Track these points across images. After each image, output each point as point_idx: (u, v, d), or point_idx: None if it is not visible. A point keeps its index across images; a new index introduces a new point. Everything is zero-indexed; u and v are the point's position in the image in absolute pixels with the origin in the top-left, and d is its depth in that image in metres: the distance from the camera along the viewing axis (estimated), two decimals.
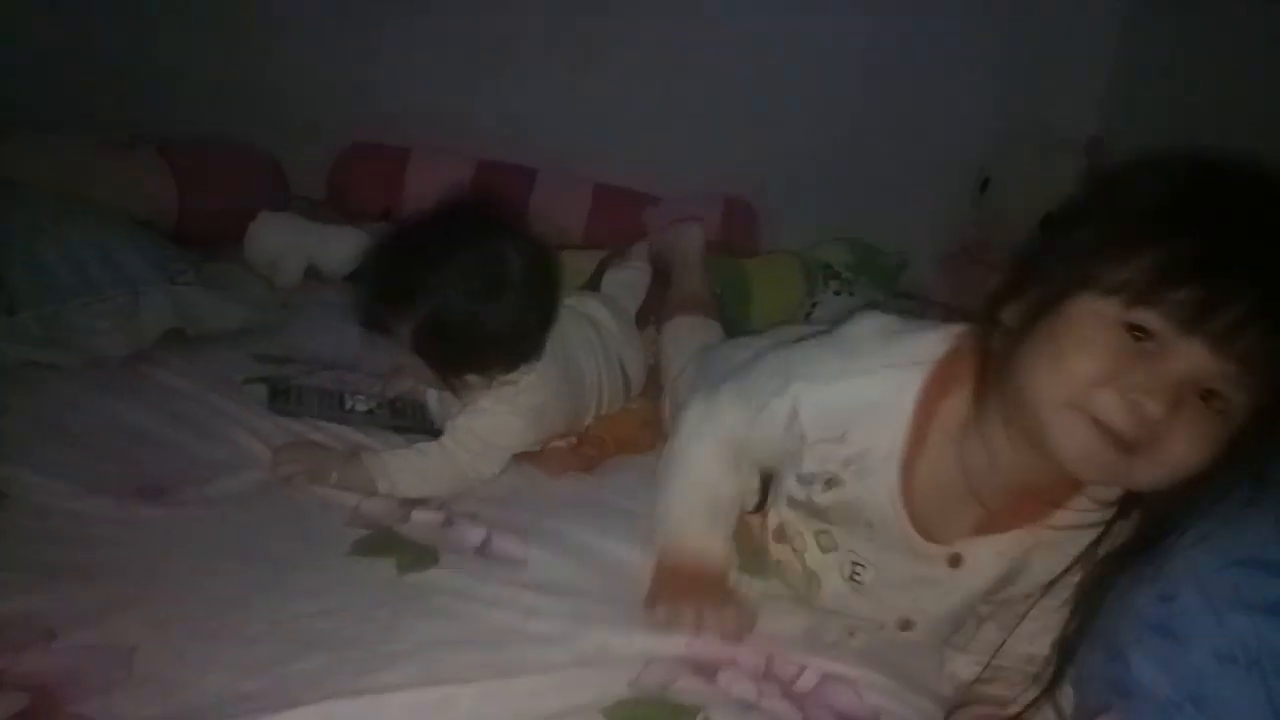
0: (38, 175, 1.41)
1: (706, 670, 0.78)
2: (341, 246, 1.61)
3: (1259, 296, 0.58)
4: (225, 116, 2.00)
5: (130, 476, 0.96)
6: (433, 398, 1.19)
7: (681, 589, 0.83)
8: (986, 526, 0.76)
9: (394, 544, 0.92)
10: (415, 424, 1.18)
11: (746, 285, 1.60)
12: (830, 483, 0.78)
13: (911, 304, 1.81)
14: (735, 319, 1.58)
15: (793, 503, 0.82)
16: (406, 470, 1.04)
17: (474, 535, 0.96)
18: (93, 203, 1.40)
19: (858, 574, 0.81)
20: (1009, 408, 0.68)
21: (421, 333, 1.02)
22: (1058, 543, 0.74)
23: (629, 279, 1.46)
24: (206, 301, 1.30)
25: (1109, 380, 0.61)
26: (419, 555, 0.90)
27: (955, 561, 0.76)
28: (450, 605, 0.84)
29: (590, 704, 0.72)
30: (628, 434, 1.22)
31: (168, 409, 1.11)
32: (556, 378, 1.11)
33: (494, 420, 1.06)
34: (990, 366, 0.70)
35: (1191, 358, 0.59)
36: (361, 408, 1.19)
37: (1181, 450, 0.61)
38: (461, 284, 1.01)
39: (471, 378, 1.06)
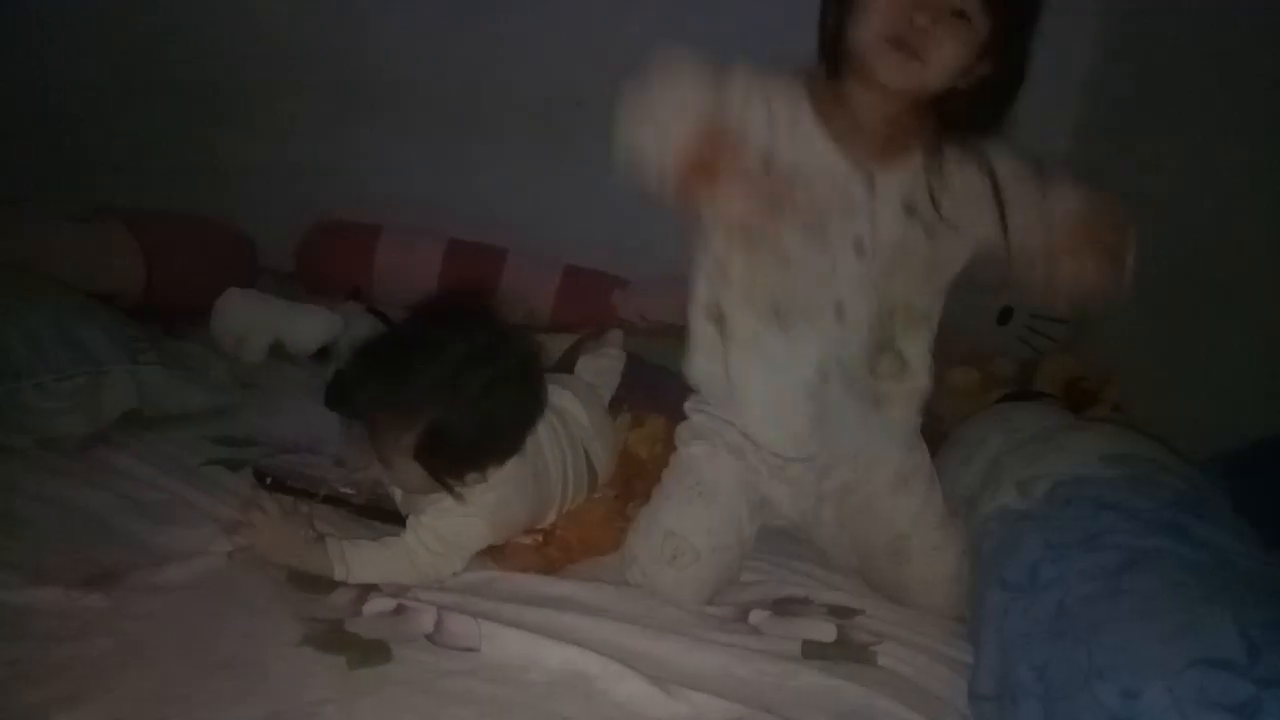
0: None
1: None
2: (308, 325, 1.61)
3: None
4: (196, 190, 2.02)
5: (79, 566, 0.94)
6: (396, 492, 1.18)
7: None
8: (884, 154, 1.03)
9: (343, 641, 0.90)
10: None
11: None
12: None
13: None
14: None
15: None
16: (366, 563, 1.02)
17: (426, 621, 0.95)
18: (56, 277, 1.39)
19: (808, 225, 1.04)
20: (853, 68, 0.98)
21: (425, 441, 1.01)
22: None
23: (605, 366, 1.47)
24: (168, 382, 1.29)
25: (894, 9, 0.91)
26: (369, 652, 0.88)
27: (870, 181, 1.03)
28: (402, 698, 0.82)
29: None
30: (592, 533, 1.21)
31: (121, 493, 1.09)
32: (522, 475, 1.11)
33: (458, 521, 1.05)
34: (838, 52, 0.98)
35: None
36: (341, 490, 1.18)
37: (948, 50, 0.92)
38: (461, 390, 1.01)
39: (472, 477, 1.05)
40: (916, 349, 1.12)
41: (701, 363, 1.15)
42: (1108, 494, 0.93)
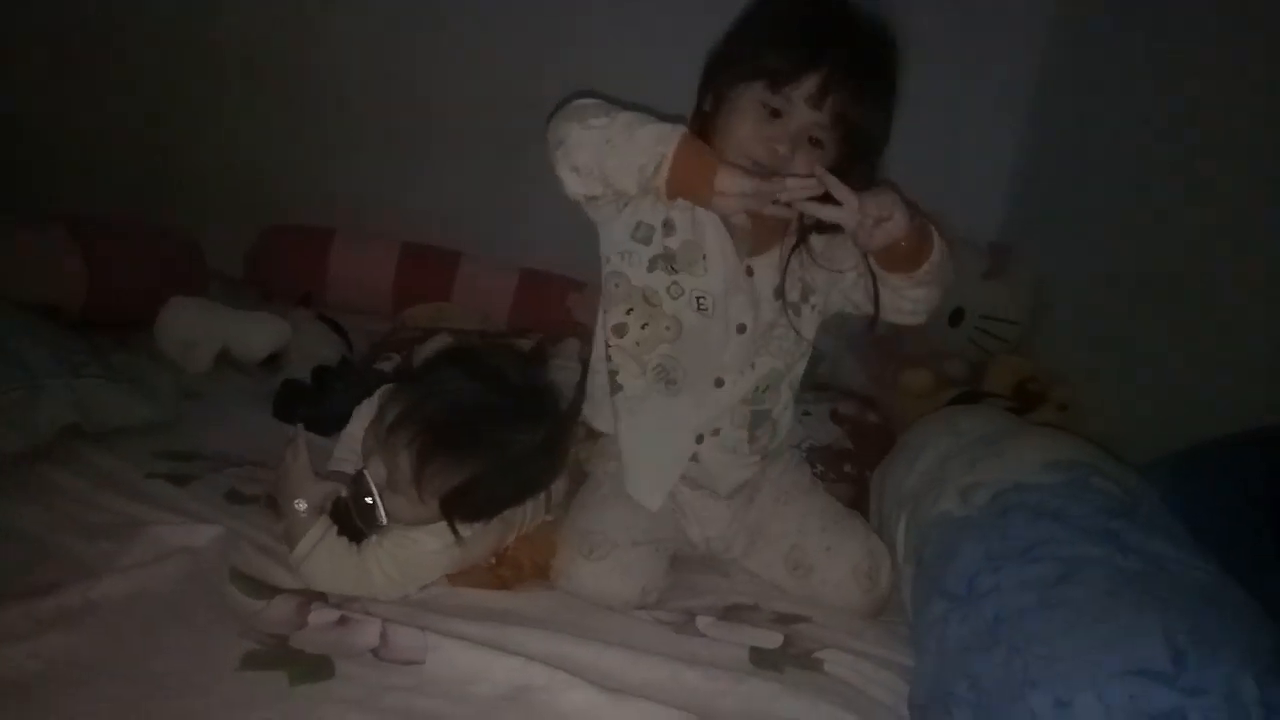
0: None
1: None
2: (256, 333, 1.60)
3: (837, 76, 1.02)
4: (143, 194, 1.98)
5: (10, 586, 0.92)
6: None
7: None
8: (757, 249, 1.16)
9: (286, 657, 0.89)
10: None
11: None
12: (667, 225, 1.14)
13: (827, 394, 1.85)
14: None
15: (651, 263, 1.14)
16: (323, 559, 1.02)
17: (371, 634, 0.94)
18: None
19: (702, 303, 1.14)
20: None
21: (461, 492, 1.01)
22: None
23: (560, 379, 1.46)
24: (109, 395, 1.26)
25: (757, 138, 1.05)
26: (312, 667, 0.88)
27: (750, 271, 1.16)
28: (344, 716, 0.82)
29: None
30: (545, 557, 1.20)
31: (60, 511, 1.07)
32: (499, 519, 1.10)
33: (423, 555, 1.05)
34: (711, 140, 1.08)
35: (801, 118, 1.04)
36: None
37: (803, 166, 1.03)
38: (516, 452, 1.03)
39: (478, 525, 1.06)
40: (786, 410, 1.25)
41: (597, 405, 1.24)
42: (1046, 501, 0.94)
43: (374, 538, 1.05)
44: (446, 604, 1.04)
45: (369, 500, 1.03)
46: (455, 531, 1.03)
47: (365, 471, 1.04)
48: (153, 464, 1.21)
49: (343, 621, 0.96)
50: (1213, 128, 1.43)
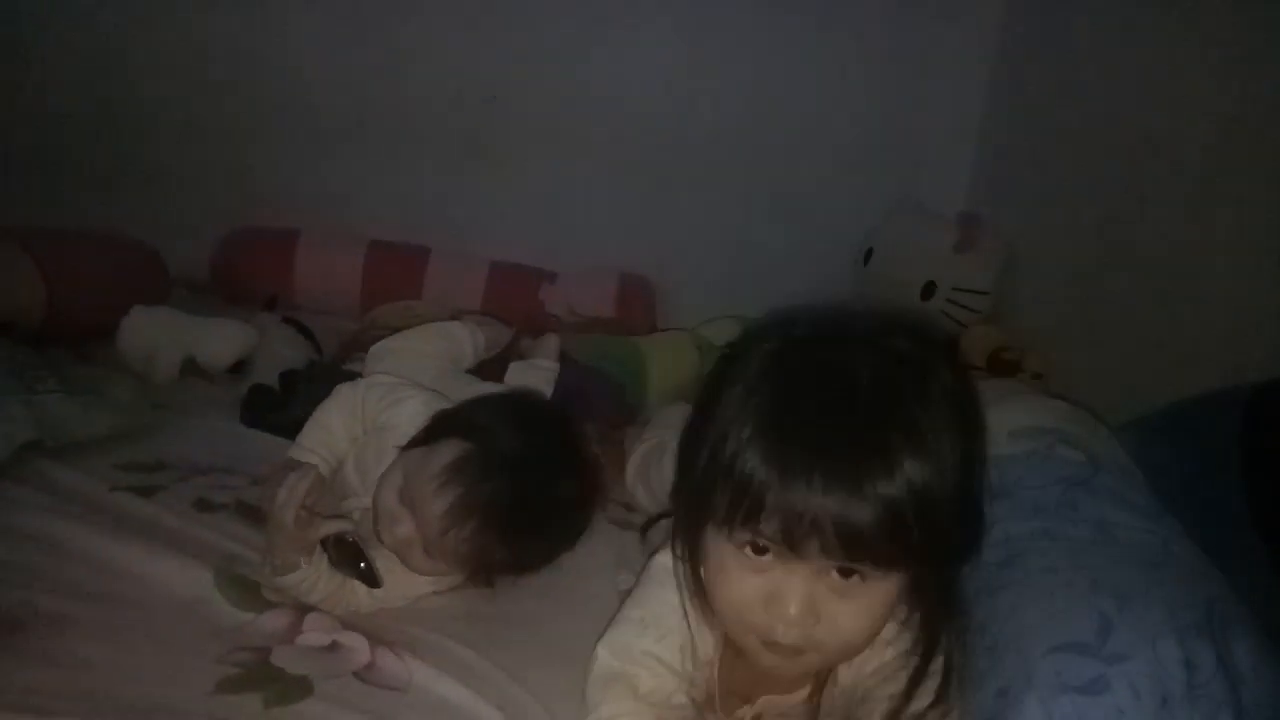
0: None
1: None
2: (221, 340, 1.57)
3: (832, 509, 0.65)
4: (97, 203, 1.94)
5: None
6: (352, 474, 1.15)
7: None
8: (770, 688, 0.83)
9: (264, 677, 0.88)
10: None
11: (641, 363, 1.61)
12: None
13: None
14: (631, 396, 1.59)
15: None
16: (307, 588, 0.99)
17: (358, 659, 0.93)
18: None
19: None
20: None
21: (505, 561, 1.02)
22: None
23: (536, 380, 1.45)
24: (70, 410, 1.23)
25: (755, 610, 0.70)
26: (290, 687, 0.87)
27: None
28: None
29: None
30: None
31: (23, 531, 1.04)
32: None
33: (413, 584, 1.04)
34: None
35: (804, 569, 0.68)
36: None
37: (847, 628, 0.70)
38: (560, 533, 1.05)
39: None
40: None
41: None
42: (1005, 477, 0.94)
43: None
44: (430, 615, 1.03)
45: (363, 565, 0.99)
46: (490, 584, 1.05)
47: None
48: (117, 476, 1.18)
49: (333, 646, 0.95)
50: (1182, 90, 1.42)
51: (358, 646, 0.94)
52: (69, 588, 0.97)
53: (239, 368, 1.56)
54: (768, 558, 0.68)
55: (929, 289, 1.95)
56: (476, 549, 0.97)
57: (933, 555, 0.68)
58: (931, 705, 0.74)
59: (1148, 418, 1.18)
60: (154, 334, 1.54)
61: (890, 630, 0.76)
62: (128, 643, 0.90)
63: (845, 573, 0.68)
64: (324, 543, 0.98)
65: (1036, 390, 1.47)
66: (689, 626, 0.81)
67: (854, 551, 0.65)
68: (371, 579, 0.98)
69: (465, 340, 1.43)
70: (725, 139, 2.10)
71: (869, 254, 2.05)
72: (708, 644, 0.82)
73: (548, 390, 1.43)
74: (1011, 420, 1.09)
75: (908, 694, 0.74)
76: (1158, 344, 1.40)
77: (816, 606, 0.68)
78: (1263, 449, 0.96)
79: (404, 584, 1.03)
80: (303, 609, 0.98)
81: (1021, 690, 0.70)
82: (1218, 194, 1.31)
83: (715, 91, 2.08)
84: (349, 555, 0.98)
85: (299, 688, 0.87)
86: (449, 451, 0.98)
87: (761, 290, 1.99)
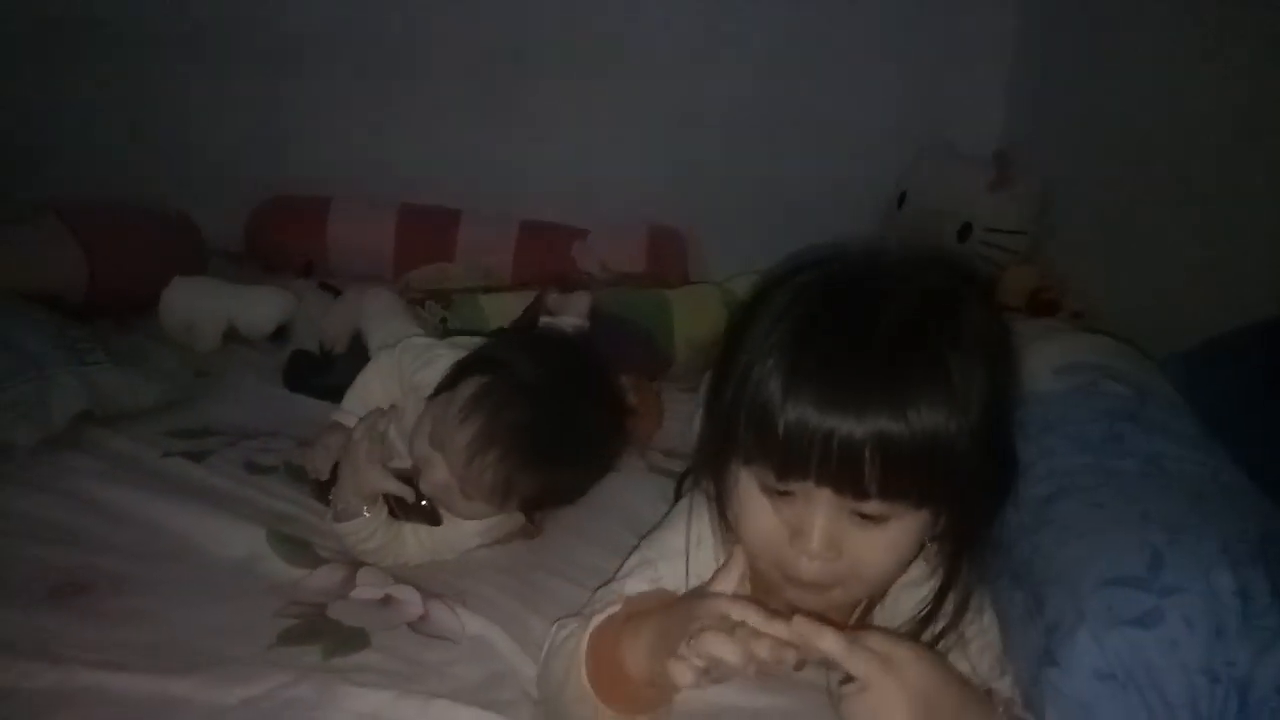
0: None
1: None
2: (261, 307, 1.59)
3: (838, 435, 0.64)
4: (133, 176, 1.97)
5: (44, 576, 0.93)
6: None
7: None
8: None
9: (322, 629, 0.90)
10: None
11: (669, 315, 1.61)
12: None
13: None
14: (659, 349, 1.60)
15: None
16: (366, 537, 1.01)
17: (411, 611, 0.95)
18: None
19: None
20: None
21: (535, 494, 1.02)
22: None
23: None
24: (118, 381, 1.26)
25: (779, 545, 0.69)
26: (348, 639, 0.89)
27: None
28: (379, 680, 0.82)
29: None
30: None
31: (82, 497, 1.07)
32: None
33: (463, 535, 1.06)
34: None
35: (826, 504, 0.67)
36: None
37: (870, 563, 0.69)
38: (592, 465, 1.06)
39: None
40: None
41: None
42: (1050, 413, 0.93)
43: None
44: (477, 566, 1.05)
45: (425, 504, 1.02)
46: (531, 519, 1.05)
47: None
48: (168, 443, 1.21)
49: (386, 600, 0.96)
50: (1223, 14, 1.37)
51: (411, 600, 0.96)
52: (128, 550, 1.00)
53: (280, 334, 1.58)
54: (791, 496, 0.68)
55: (965, 231, 1.91)
56: (503, 477, 0.97)
57: (949, 496, 0.67)
58: (943, 633, 0.73)
59: (1192, 349, 1.16)
60: (195, 304, 1.56)
61: (921, 571, 0.75)
62: (187, 600, 0.93)
63: (868, 520, 0.67)
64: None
65: (1077, 328, 1.44)
66: (686, 572, 0.82)
67: (857, 482, 0.64)
68: (434, 516, 1.01)
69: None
70: (753, 87, 2.07)
71: (902, 198, 2.02)
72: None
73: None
74: (1054, 357, 1.07)
75: (922, 625, 0.73)
76: (1200, 277, 1.37)
77: (839, 541, 0.67)
78: None
79: (451, 535, 1.05)
80: (355, 565, 1.00)
81: (1073, 625, 0.69)
82: (1262, 117, 1.27)
83: (742, 39, 2.04)
84: (411, 501, 1.01)
85: (356, 639, 0.89)
86: (469, 387, 1.00)
87: (795, 240, 1.96)
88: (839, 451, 0.64)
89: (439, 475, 1.00)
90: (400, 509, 1.02)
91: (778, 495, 0.69)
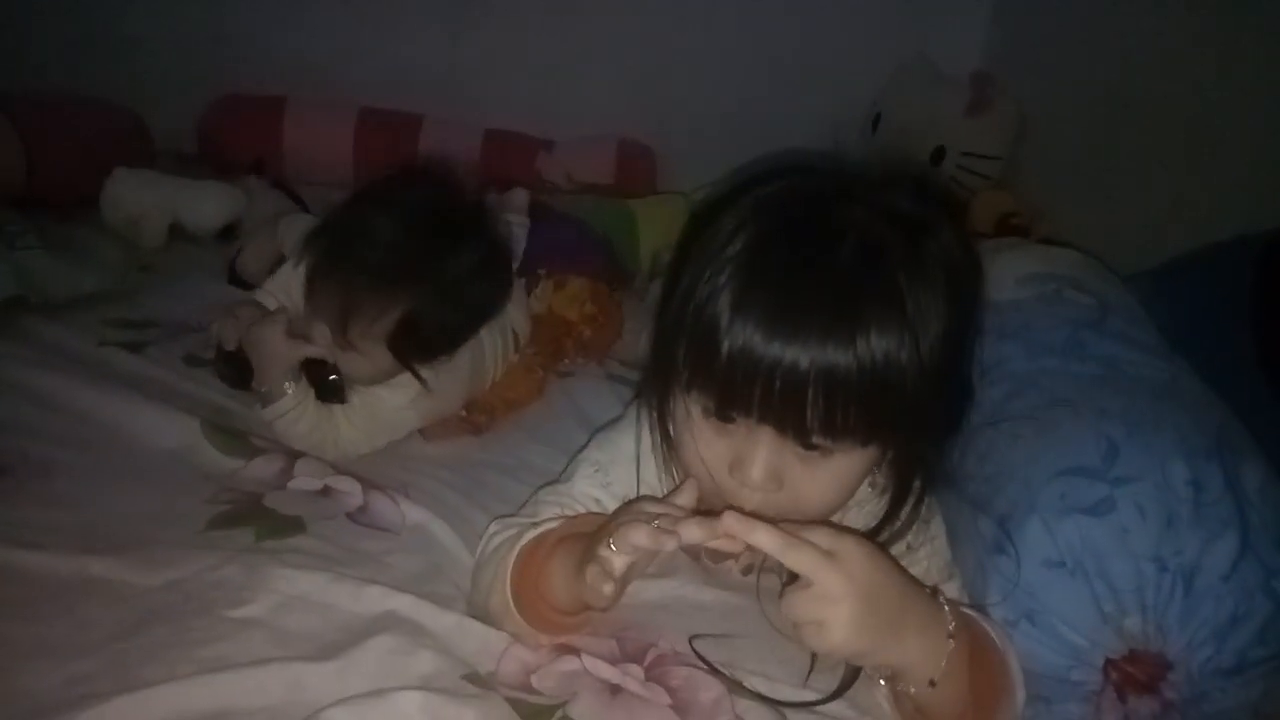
0: None
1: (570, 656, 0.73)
2: (208, 203, 1.53)
3: (783, 364, 0.60)
4: (78, 69, 1.86)
5: None
6: None
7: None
8: None
9: (256, 514, 0.88)
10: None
11: (633, 225, 1.58)
12: None
13: None
14: (624, 258, 1.56)
15: None
16: (295, 419, 0.99)
17: (350, 501, 0.92)
18: None
19: None
20: None
21: (403, 328, 0.97)
22: None
23: (507, 234, 1.41)
24: (52, 267, 1.21)
25: (719, 472, 0.67)
26: (282, 525, 0.86)
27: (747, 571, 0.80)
28: (311, 564, 0.80)
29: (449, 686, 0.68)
30: (514, 391, 1.19)
31: (9, 381, 1.03)
32: (464, 362, 1.07)
33: (390, 411, 1.03)
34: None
35: (768, 439, 0.64)
36: None
37: (811, 496, 0.66)
38: (445, 278, 0.97)
39: (441, 361, 1.02)
40: None
41: None
42: (1010, 322, 0.91)
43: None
44: (425, 457, 1.03)
45: (333, 378, 1.00)
46: (418, 376, 0.99)
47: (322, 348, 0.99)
48: (105, 333, 1.17)
49: (325, 490, 0.94)
50: None
51: (350, 490, 0.93)
52: (58, 436, 0.96)
53: (228, 231, 1.52)
54: (733, 424, 0.65)
55: (939, 154, 1.88)
56: (367, 311, 0.95)
57: (898, 430, 0.64)
58: (890, 542, 0.71)
59: (1158, 268, 1.15)
60: (139, 197, 1.49)
61: (867, 492, 0.73)
62: (118, 486, 0.90)
63: (813, 450, 0.63)
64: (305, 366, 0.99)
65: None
66: (636, 479, 0.80)
67: (799, 422, 0.61)
68: (340, 392, 1.00)
69: None
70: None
71: (877, 119, 1.98)
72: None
73: (520, 244, 1.39)
74: (1019, 267, 1.05)
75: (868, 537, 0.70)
76: (1176, 202, 1.35)
77: (780, 473, 0.64)
78: (1275, 289, 0.93)
79: (382, 411, 1.02)
80: (293, 456, 0.97)
81: (1025, 514, 0.69)
82: (1243, 45, 1.24)
83: None
84: (322, 373, 1.00)
85: (292, 525, 0.86)
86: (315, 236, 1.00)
87: (766, 158, 1.95)
88: (782, 387, 0.60)
89: (321, 336, 0.97)
90: (314, 383, 1.01)
91: (719, 422, 0.66)
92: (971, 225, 1.72)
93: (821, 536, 0.60)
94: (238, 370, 1.06)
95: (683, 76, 2.06)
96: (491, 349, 1.15)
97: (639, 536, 0.61)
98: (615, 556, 0.63)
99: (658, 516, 0.63)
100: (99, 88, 1.83)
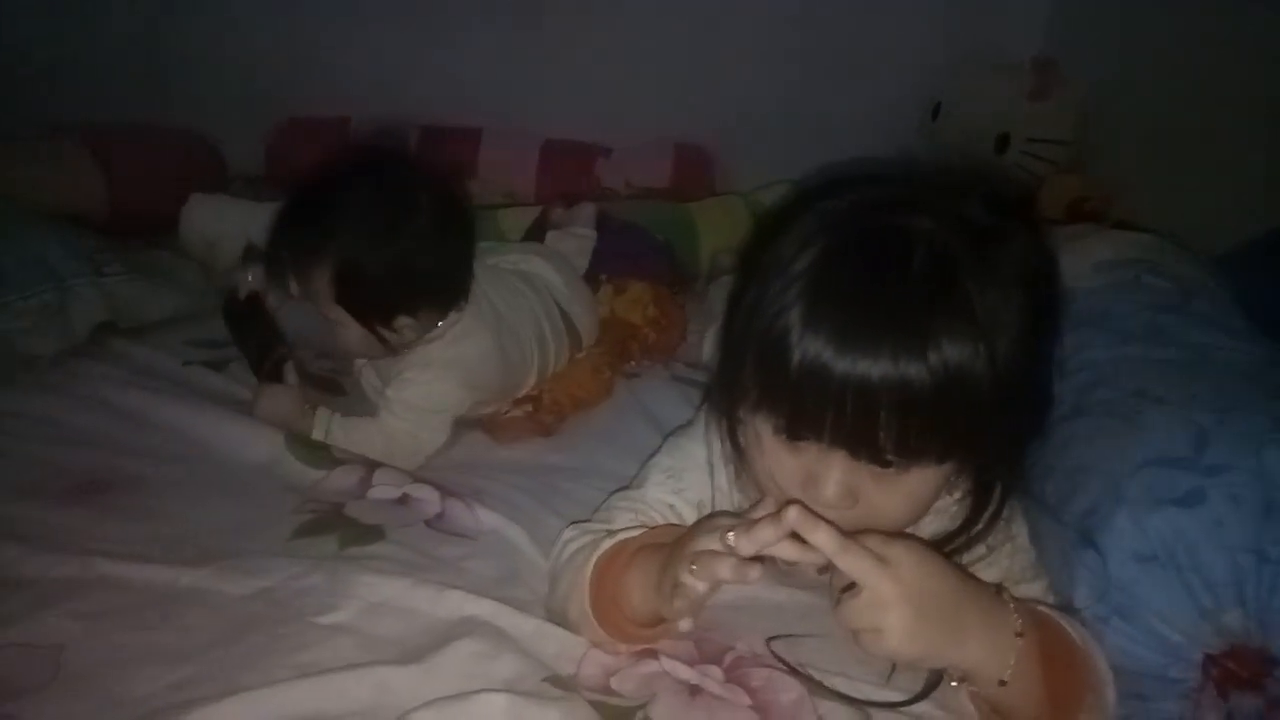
0: None
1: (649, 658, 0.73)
2: None
3: (853, 384, 0.59)
4: (153, 99, 1.94)
5: (64, 476, 0.93)
6: (368, 384, 1.17)
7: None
8: None
9: (338, 523, 0.90)
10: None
11: (693, 228, 1.58)
12: None
13: None
14: (684, 262, 1.56)
15: None
16: (350, 438, 1.03)
17: (428, 509, 0.94)
18: (12, 201, 1.35)
19: None
20: None
21: (342, 279, 1.01)
22: None
23: (574, 248, 1.42)
24: (137, 292, 1.26)
25: (790, 488, 0.65)
26: (363, 533, 0.88)
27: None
28: (394, 570, 0.82)
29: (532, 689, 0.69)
30: (582, 390, 1.21)
31: (103, 402, 1.07)
32: (483, 330, 1.09)
33: (422, 388, 1.04)
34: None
35: (842, 462, 0.62)
36: None
37: (887, 513, 0.65)
38: (369, 223, 1.00)
39: (402, 321, 1.04)
40: None
41: None
42: (1089, 307, 0.89)
43: (382, 397, 1.08)
44: (495, 461, 1.05)
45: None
46: (380, 338, 1.04)
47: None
48: (189, 352, 1.21)
49: (403, 499, 0.96)
50: None
51: (428, 498, 0.95)
52: (148, 452, 1.00)
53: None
54: (805, 443, 0.63)
55: (1003, 142, 1.84)
56: (296, 262, 1.02)
57: (974, 444, 0.62)
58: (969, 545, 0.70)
59: (1239, 248, 1.11)
60: (215, 221, 1.54)
61: (945, 501, 0.70)
62: (205, 500, 0.93)
63: (887, 466, 0.62)
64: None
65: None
66: (711, 485, 0.80)
67: (872, 444, 0.60)
68: (336, 385, 1.10)
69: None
70: None
71: (937, 109, 1.95)
72: (729, 506, 0.81)
73: (585, 257, 1.41)
74: (1095, 254, 1.03)
75: (945, 542, 0.70)
76: (1253, 182, 1.31)
77: (855, 490, 0.63)
78: None
79: (417, 403, 1.06)
80: (372, 466, 1.00)
81: (1111, 507, 0.67)
82: None
83: None
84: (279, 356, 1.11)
85: (372, 534, 0.88)
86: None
87: (823, 154, 1.91)
88: (854, 407, 0.59)
89: (301, 309, 1.06)
90: (308, 383, 1.10)
91: (790, 441, 0.64)
92: (1042, 212, 1.68)
93: (874, 541, 0.60)
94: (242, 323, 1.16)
95: (736, 76, 2.05)
96: (532, 325, 1.17)
97: (723, 570, 0.60)
98: (697, 583, 0.62)
99: (733, 529, 0.62)
100: (172, 116, 1.90)
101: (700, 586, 0.62)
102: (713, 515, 0.73)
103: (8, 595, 0.75)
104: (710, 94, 2.06)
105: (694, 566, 0.62)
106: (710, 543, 0.62)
